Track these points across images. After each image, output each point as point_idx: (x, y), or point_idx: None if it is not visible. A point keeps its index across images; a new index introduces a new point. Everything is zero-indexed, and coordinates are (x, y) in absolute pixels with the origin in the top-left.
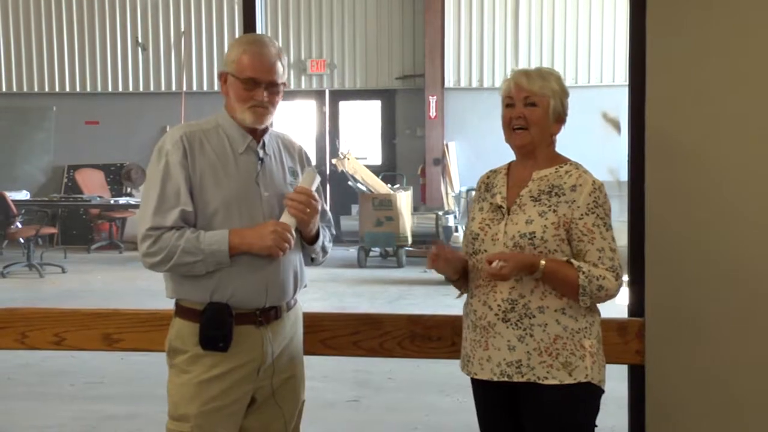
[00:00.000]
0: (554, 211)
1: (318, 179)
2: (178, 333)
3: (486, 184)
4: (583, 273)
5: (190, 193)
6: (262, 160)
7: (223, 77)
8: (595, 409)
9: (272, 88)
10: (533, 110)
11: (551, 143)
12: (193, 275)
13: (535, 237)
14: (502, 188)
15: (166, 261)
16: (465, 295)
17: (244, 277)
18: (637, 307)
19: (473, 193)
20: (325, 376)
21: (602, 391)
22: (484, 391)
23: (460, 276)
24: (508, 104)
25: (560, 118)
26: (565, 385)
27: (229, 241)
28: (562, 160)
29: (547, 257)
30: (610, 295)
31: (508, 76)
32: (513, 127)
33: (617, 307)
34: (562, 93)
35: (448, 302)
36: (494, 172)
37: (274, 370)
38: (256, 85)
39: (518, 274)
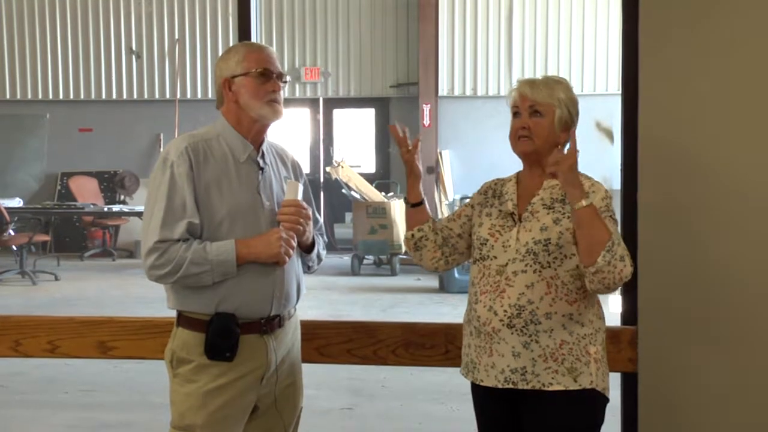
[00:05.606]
0: (568, 217)
1: (301, 187)
2: (183, 343)
3: (493, 190)
4: (614, 237)
5: (196, 204)
6: (262, 169)
7: (227, 84)
8: (600, 417)
9: (280, 81)
10: (538, 120)
11: (560, 152)
12: (198, 286)
13: (549, 243)
14: (513, 195)
15: (174, 273)
16: (466, 301)
17: (250, 287)
18: (629, 315)
19: (468, 200)
20: (319, 384)
21: (607, 400)
22: (485, 398)
23: (422, 202)
24: (515, 113)
25: (567, 127)
26: (569, 391)
27: (237, 251)
28: None
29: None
30: (625, 274)
31: (515, 86)
32: (518, 136)
33: (610, 315)
34: (569, 102)
35: (441, 310)
36: (502, 180)
37: (277, 378)
38: (269, 77)
39: (567, 183)
